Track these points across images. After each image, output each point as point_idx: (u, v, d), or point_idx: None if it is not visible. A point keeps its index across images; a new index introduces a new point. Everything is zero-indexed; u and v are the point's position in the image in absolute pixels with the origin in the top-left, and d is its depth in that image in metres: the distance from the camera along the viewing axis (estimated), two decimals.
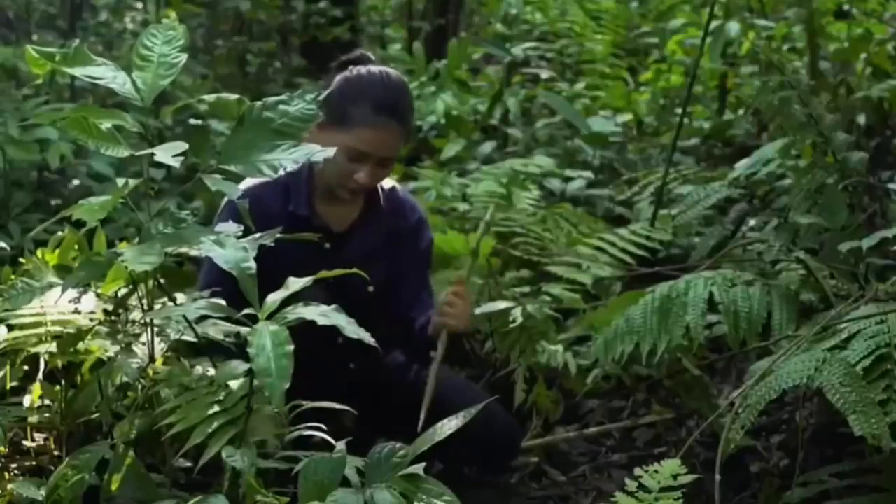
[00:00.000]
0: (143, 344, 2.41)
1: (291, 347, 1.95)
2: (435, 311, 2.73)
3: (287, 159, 2.19)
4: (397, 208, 2.81)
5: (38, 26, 6.31)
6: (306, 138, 2.40)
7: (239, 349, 2.11)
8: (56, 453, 2.64)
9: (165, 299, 2.43)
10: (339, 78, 2.67)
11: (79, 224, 2.35)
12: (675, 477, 1.99)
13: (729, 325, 2.79)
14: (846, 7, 5.83)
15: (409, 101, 2.74)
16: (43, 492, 2.24)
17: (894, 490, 2.43)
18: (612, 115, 5.55)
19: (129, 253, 2.10)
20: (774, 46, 5.66)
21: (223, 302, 2.17)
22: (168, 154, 2.10)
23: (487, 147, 5.28)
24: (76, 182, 4.31)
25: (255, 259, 2.08)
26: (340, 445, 2.09)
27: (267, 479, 2.13)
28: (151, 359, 2.37)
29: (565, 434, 3.23)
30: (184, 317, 2.24)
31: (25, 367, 2.71)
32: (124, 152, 2.23)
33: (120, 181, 2.27)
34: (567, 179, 4.71)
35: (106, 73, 2.27)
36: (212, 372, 2.30)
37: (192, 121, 4.68)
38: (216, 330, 2.23)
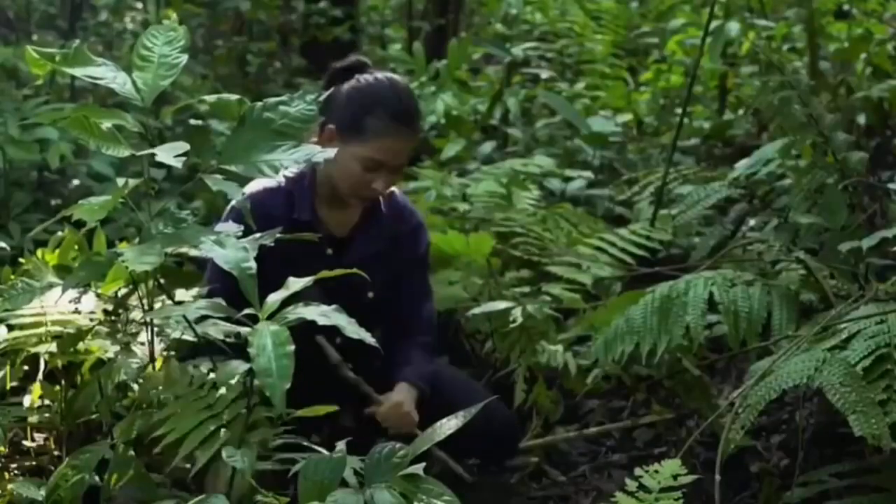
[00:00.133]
0: (143, 344, 2.41)
1: (292, 347, 1.95)
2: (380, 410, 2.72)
3: (287, 159, 2.20)
4: (397, 213, 2.82)
5: (38, 26, 6.31)
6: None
7: (237, 349, 2.12)
8: (56, 453, 2.64)
9: (165, 299, 2.43)
10: (348, 88, 2.67)
11: (79, 224, 2.36)
12: (675, 477, 1.99)
13: (729, 325, 2.79)
14: (846, 7, 5.83)
15: (418, 106, 2.77)
16: (43, 492, 2.24)
17: (894, 490, 2.43)
18: (612, 115, 5.55)
19: (129, 253, 2.11)
20: (774, 46, 5.66)
21: (223, 302, 2.17)
22: (169, 154, 2.10)
23: (487, 147, 5.28)
24: (76, 182, 4.31)
25: (258, 265, 2.08)
26: (340, 445, 2.09)
27: (266, 480, 2.13)
28: (151, 359, 2.37)
29: (565, 434, 3.23)
30: (184, 317, 2.24)
31: (25, 367, 2.71)
32: (124, 152, 2.23)
33: (120, 181, 2.27)
34: (567, 179, 4.70)
35: (106, 74, 2.27)
36: (204, 374, 2.30)
37: (193, 121, 4.68)
38: (216, 330, 2.23)
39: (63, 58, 2.26)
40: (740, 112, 5.66)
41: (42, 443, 2.72)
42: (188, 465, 2.28)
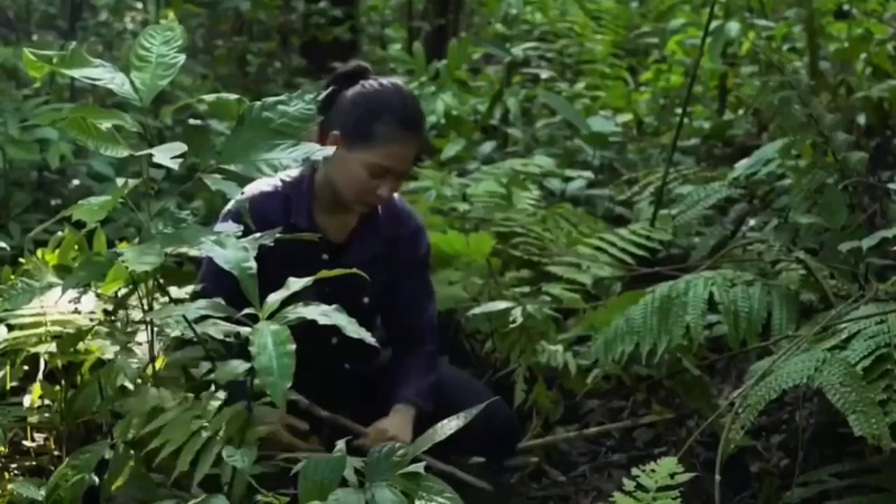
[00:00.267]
0: (143, 344, 2.41)
1: (293, 346, 1.95)
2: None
3: (286, 159, 2.20)
4: (395, 217, 2.81)
5: (38, 26, 6.31)
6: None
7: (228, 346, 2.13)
8: (56, 453, 2.64)
9: (166, 299, 2.43)
10: (353, 94, 2.66)
11: (79, 224, 2.36)
12: (672, 476, 1.99)
13: (729, 325, 2.79)
14: (846, 7, 5.83)
15: (422, 110, 2.76)
16: (43, 492, 2.24)
17: (894, 490, 2.43)
18: (612, 115, 5.55)
19: (129, 253, 2.11)
20: (774, 46, 5.66)
21: (223, 302, 2.17)
22: (167, 155, 2.10)
23: (487, 147, 5.28)
24: (76, 182, 4.31)
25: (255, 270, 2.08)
26: (340, 445, 2.09)
27: (266, 480, 2.14)
28: (151, 359, 2.37)
29: (565, 434, 3.23)
30: (184, 317, 2.24)
31: (25, 367, 2.71)
32: (124, 152, 2.24)
33: (120, 181, 2.27)
34: (567, 179, 4.70)
35: (104, 74, 2.27)
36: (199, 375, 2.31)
37: (192, 121, 4.68)
38: (216, 329, 2.23)
39: (60, 59, 2.26)
40: (740, 112, 5.66)
41: (42, 443, 2.72)
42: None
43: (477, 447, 2.87)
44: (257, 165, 2.20)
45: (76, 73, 2.27)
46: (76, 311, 2.51)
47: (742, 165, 3.77)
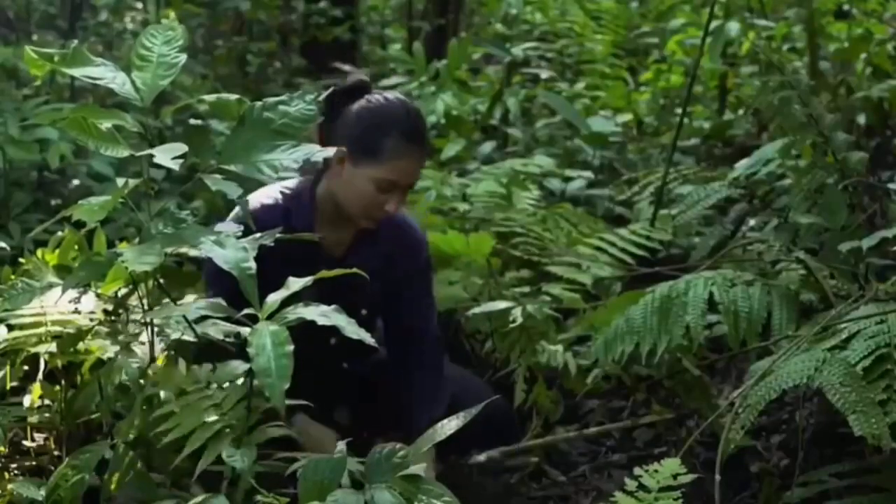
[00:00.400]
0: (143, 344, 2.41)
1: (291, 347, 1.95)
2: None
3: (287, 159, 2.20)
4: (394, 227, 2.79)
5: (38, 26, 6.31)
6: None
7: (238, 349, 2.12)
8: (56, 453, 2.64)
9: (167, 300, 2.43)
10: (358, 109, 2.64)
11: (79, 224, 2.36)
12: (674, 477, 1.99)
13: (729, 325, 2.79)
14: (846, 7, 5.83)
15: (426, 123, 2.76)
16: (43, 492, 2.24)
17: (894, 490, 2.43)
18: (612, 115, 5.54)
19: (129, 253, 2.11)
20: (774, 46, 5.66)
21: (223, 302, 2.17)
22: (167, 155, 2.10)
23: (487, 147, 5.28)
24: (76, 182, 4.30)
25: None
26: (341, 445, 2.09)
27: (266, 480, 2.13)
28: (151, 359, 2.37)
29: (565, 434, 3.23)
30: (184, 317, 2.24)
31: (25, 367, 2.71)
32: (124, 152, 2.24)
33: (120, 181, 2.28)
34: (567, 179, 4.70)
35: (105, 74, 2.27)
36: (209, 372, 2.30)
37: (192, 121, 4.68)
38: (216, 330, 2.23)
39: (62, 58, 2.26)
40: (740, 112, 5.66)
41: (42, 443, 2.72)
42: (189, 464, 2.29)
43: (477, 442, 2.87)
44: (258, 166, 2.20)
45: (77, 72, 2.27)
46: (76, 311, 2.51)
47: (742, 165, 3.77)
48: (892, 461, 2.32)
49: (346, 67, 7.04)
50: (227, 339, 2.20)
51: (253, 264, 2.09)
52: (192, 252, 2.16)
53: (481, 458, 2.95)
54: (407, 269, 2.82)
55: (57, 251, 2.63)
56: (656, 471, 2.01)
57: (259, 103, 2.28)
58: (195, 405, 2.19)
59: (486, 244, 3.62)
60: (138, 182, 2.22)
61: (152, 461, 2.29)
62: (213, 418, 2.14)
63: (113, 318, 2.50)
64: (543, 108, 5.83)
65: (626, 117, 5.62)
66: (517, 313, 3.20)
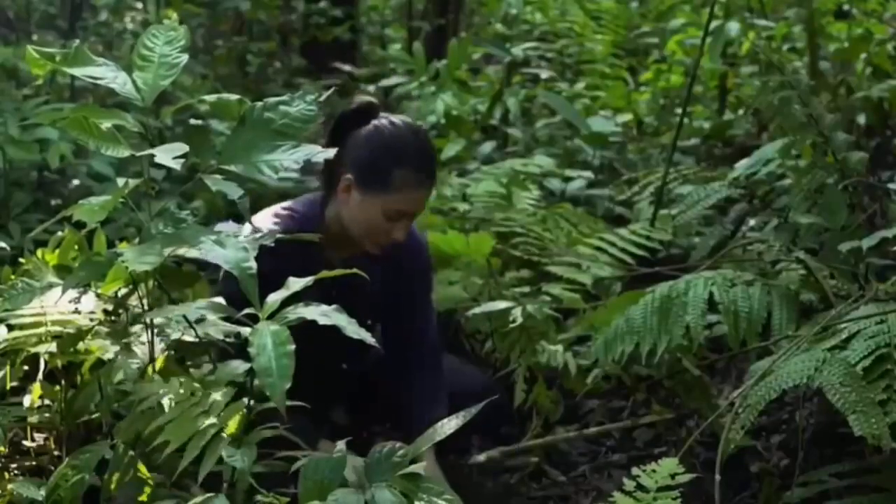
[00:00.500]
0: (143, 344, 2.41)
1: (292, 347, 1.95)
2: None
3: (287, 159, 2.20)
4: (399, 248, 2.75)
5: (38, 26, 6.32)
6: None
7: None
8: (56, 453, 2.64)
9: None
10: (367, 136, 2.61)
11: (79, 224, 2.36)
12: (672, 476, 1.99)
13: (729, 325, 2.79)
14: (846, 7, 5.83)
15: (435, 149, 2.75)
16: (43, 492, 2.24)
17: (894, 490, 2.43)
18: (612, 115, 5.55)
19: (129, 253, 2.11)
20: (774, 46, 5.66)
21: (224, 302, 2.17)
22: (168, 155, 2.10)
23: (487, 147, 5.28)
24: (76, 182, 4.31)
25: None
26: (341, 445, 2.09)
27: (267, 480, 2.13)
28: (151, 359, 2.37)
29: (565, 434, 3.23)
30: (184, 317, 2.24)
31: (25, 367, 2.70)
32: (124, 152, 2.24)
33: (120, 181, 2.28)
34: (567, 179, 4.70)
35: (106, 74, 2.27)
36: (201, 376, 2.30)
37: (193, 121, 4.68)
38: (217, 330, 2.23)
39: (63, 58, 2.26)
40: (740, 112, 5.66)
41: (42, 443, 2.72)
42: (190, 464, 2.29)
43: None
44: (258, 166, 2.20)
45: (78, 71, 2.27)
46: (76, 311, 2.51)
47: (742, 165, 3.77)
48: (892, 461, 2.32)
49: (346, 67, 7.07)
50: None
51: (253, 264, 2.09)
52: (192, 252, 2.16)
53: (481, 458, 2.96)
54: (407, 270, 2.82)
55: (57, 251, 2.62)
56: (654, 471, 2.01)
57: (259, 103, 2.28)
58: (187, 413, 2.18)
59: (486, 244, 3.62)
60: (138, 182, 2.22)
61: (152, 461, 2.29)
62: (209, 422, 2.14)
63: (113, 318, 2.50)
64: (543, 108, 5.83)
65: (626, 117, 5.62)
66: (517, 313, 3.20)
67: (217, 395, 2.18)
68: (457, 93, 5.61)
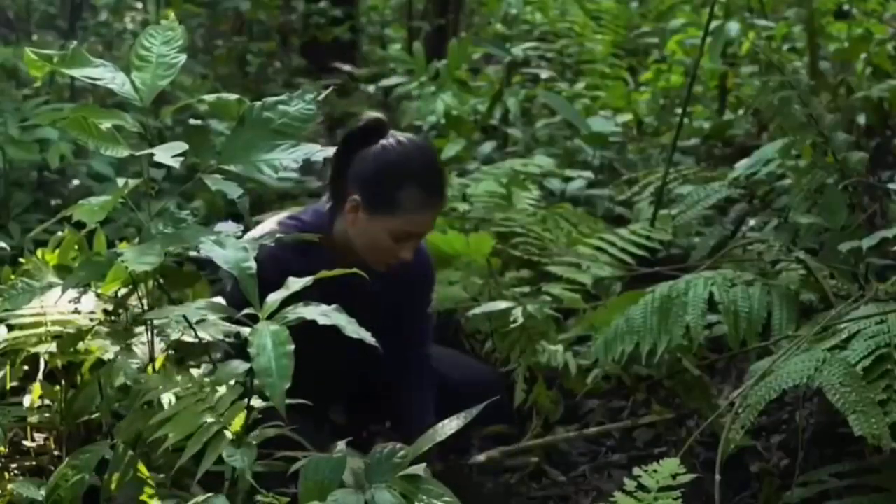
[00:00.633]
0: (144, 344, 2.41)
1: (292, 347, 1.95)
2: None
3: (287, 159, 2.20)
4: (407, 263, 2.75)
5: (38, 26, 6.32)
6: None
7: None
8: (56, 453, 2.64)
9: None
10: (375, 157, 2.58)
11: (79, 224, 2.36)
12: (673, 476, 1.99)
13: (729, 325, 2.79)
14: (846, 7, 5.82)
15: (443, 169, 2.72)
16: (43, 492, 2.24)
17: (894, 490, 2.43)
18: (612, 115, 5.54)
19: (129, 253, 2.11)
20: (774, 46, 5.66)
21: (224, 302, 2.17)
22: (168, 154, 2.10)
23: (487, 147, 5.28)
24: (76, 182, 4.31)
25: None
26: (341, 445, 2.09)
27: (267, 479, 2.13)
28: (151, 359, 2.37)
29: (565, 434, 3.23)
30: (184, 317, 2.24)
31: (25, 367, 2.71)
32: (124, 152, 2.24)
33: (120, 181, 2.28)
34: (567, 179, 4.70)
35: (105, 74, 2.28)
36: (204, 374, 2.30)
37: (192, 121, 4.68)
38: (216, 330, 2.23)
39: (61, 59, 2.26)
40: (740, 112, 5.66)
41: (42, 443, 2.72)
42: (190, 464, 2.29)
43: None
44: (258, 166, 2.20)
45: (77, 72, 2.27)
46: (76, 311, 2.51)
47: (742, 165, 3.77)
48: (892, 461, 2.32)
49: (346, 67, 7.07)
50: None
51: (253, 264, 2.09)
52: (192, 252, 2.16)
53: (481, 458, 2.96)
54: (409, 287, 2.81)
55: (57, 251, 2.62)
56: (655, 471, 2.01)
57: (259, 103, 2.28)
58: (190, 409, 2.18)
59: (486, 244, 3.62)
60: (138, 182, 2.23)
61: (152, 461, 2.29)
62: (209, 420, 2.13)
63: (113, 318, 2.50)
64: (543, 108, 5.83)
65: (626, 117, 5.61)
66: (517, 313, 3.20)
67: (222, 391, 2.18)
68: (457, 93, 5.61)
